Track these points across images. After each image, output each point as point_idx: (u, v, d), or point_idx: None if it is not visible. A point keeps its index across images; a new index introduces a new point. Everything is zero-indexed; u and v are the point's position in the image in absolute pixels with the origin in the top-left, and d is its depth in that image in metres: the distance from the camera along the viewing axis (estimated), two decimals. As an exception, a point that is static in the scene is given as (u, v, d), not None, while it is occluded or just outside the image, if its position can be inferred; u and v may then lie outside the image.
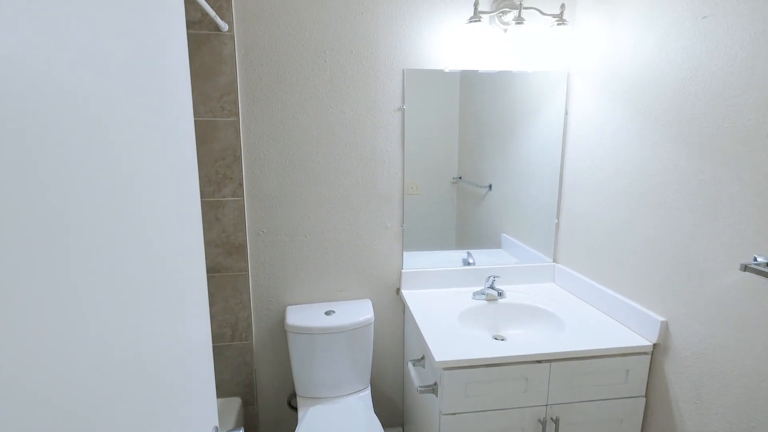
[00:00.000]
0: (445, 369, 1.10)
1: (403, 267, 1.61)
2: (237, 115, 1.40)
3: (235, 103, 1.39)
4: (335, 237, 1.54)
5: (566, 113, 1.53)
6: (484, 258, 1.64)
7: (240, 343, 1.54)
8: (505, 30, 1.44)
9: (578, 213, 1.47)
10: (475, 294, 1.49)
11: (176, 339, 0.62)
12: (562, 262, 1.59)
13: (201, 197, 1.41)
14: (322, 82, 1.44)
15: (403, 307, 1.63)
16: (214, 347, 1.44)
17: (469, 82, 1.53)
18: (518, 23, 1.34)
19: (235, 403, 1.56)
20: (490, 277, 1.47)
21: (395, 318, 1.65)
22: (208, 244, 1.44)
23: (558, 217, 1.60)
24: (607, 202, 1.31)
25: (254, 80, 1.40)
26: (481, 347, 1.16)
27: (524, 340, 1.30)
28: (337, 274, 1.57)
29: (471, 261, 1.62)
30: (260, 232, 1.49)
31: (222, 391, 1.57)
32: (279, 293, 1.54)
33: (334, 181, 1.50)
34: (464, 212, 1.64)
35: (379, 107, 1.48)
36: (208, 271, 1.35)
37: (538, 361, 1.13)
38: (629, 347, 1.15)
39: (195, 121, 1.36)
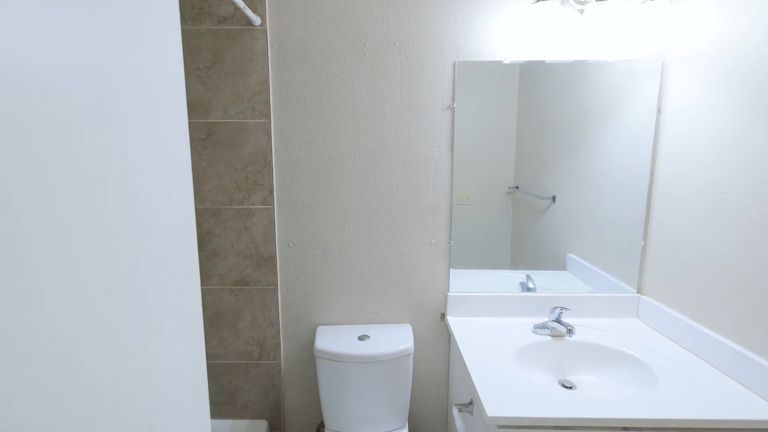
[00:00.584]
0: (500, 426, 0.88)
1: (449, 289, 1.39)
2: (268, 116, 1.28)
3: (267, 103, 1.27)
4: (373, 252, 1.36)
5: (659, 110, 1.24)
6: (546, 282, 1.37)
7: (268, 363, 1.40)
8: (582, 11, 1.19)
9: (673, 233, 1.17)
10: (536, 327, 1.23)
11: (148, 365, 0.49)
12: (650, 293, 1.29)
13: (230, 204, 1.30)
14: (361, 78, 1.28)
15: (448, 336, 1.41)
16: (241, 365, 1.31)
17: (531, 75, 1.29)
18: (599, 1, 1.09)
19: (262, 426, 1.43)
20: (556, 308, 1.21)
21: (439, 348, 1.43)
22: (237, 254, 1.33)
23: (645, 237, 1.30)
24: (718, 221, 1.01)
25: (287, 78, 1.27)
26: (546, 399, 0.91)
27: (602, 396, 1.02)
28: (374, 294, 1.39)
29: (531, 285, 1.36)
30: (291, 244, 1.35)
31: (249, 412, 1.45)
32: (309, 311, 1.39)
33: (372, 190, 1.33)
34: (522, 227, 1.39)
35: (426, 106, 1.29)
36: (235, 284, 1.23)
37: (625, 429, 0.86)
38: (759, 420, 0.84)
39: (225, 123, 1.25)
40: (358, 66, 1.27)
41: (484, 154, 1.37)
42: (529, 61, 1.26)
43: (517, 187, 1.37)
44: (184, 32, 1.23)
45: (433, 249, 1.37)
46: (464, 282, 1.39)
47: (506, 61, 1.25)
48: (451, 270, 1.39)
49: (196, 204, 1.25)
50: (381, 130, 1.31)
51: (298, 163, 1.32)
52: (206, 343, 1.37)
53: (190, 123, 1.27)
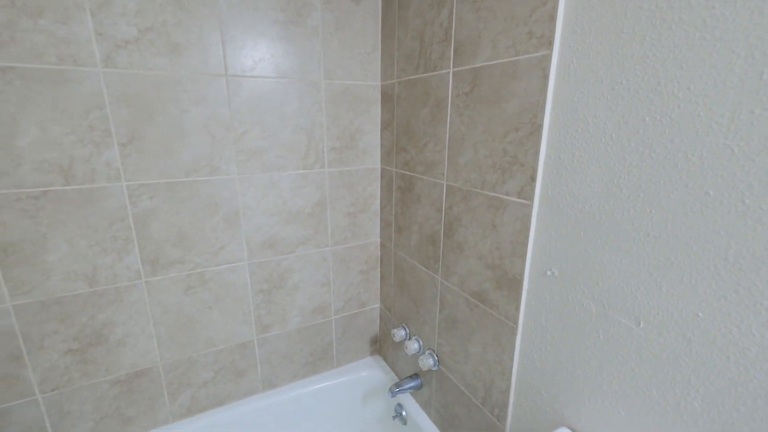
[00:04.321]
0: None
1: None
2: (550, 43, 0.74)
3: (551, 19, 0.73)
4: (728, 361, 0.56)
5: None
6: None
7: (490, 417, 1.02)
8: None
9: None
10: None
11: None
12: None
13: (481, 188, 0.95)
14: None
15: None
16: (464, 396, 1.06)
17: None
18: None
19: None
20: None
21: None
22: (479, 258, 0.98)
23: None
24: None
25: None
26: None
27: None
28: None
29: None
30: (548, 273, 0.81)
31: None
32: (556, 391, 0.83)
33: None
34: None
35: None
36: (473, 295, 0.95)
37: None
38: None
39: (491, 67, 0.86)
40: None
41: None
42: None
43: None
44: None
45: None
46: None
47: None
48: None
49: (449, 180, 1.01)
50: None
51: (590, 129, 0.70)
52: (439, 345, 1.18)
53: (454, 72, 0.98)
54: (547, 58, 0.74)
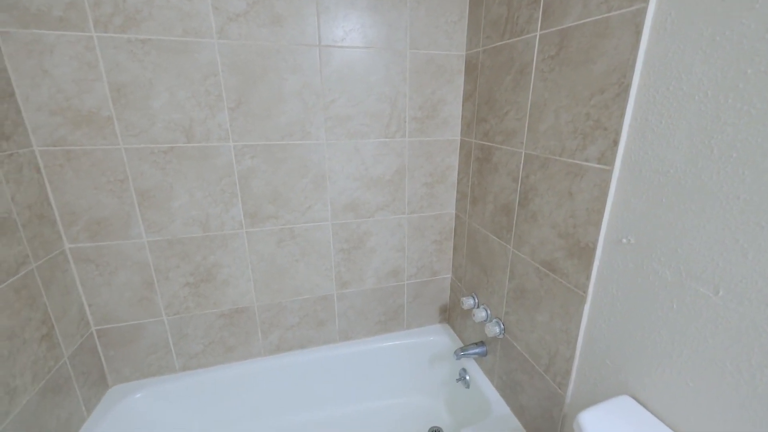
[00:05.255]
0: None
1: None
2: None
3: (647, -30, 0.72)
4: None
5: None
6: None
7: (552, 385, 1.05)
8: None
9: None
10: None
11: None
12: None
13: (560, 155, 0.96)
14: None
15: None
16: (528, 363, 1.12)
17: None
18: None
19: None
20: None
21: None
22: (552, 227, 1.00)
23: None
24: None
25: None
26: None
27: None
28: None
29: None
30: (624, 240, 0.81)
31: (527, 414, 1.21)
32: (622, 360, 0.84)
33: None
34: None
35: None
36: (543, 264, 1.01)
37: None
38: None
39: (580, 26, 0.87)
40: None
41: None
42: None
43: None
44: None
45: None
46: None
47: None
48: None
49: (528, 149, 1.04)
50: None
51: (683, 87, 0.69)
52: (506, 314, 1.22)
53: (541, 35, 0.99)
54: (642, 12, 0.73)
